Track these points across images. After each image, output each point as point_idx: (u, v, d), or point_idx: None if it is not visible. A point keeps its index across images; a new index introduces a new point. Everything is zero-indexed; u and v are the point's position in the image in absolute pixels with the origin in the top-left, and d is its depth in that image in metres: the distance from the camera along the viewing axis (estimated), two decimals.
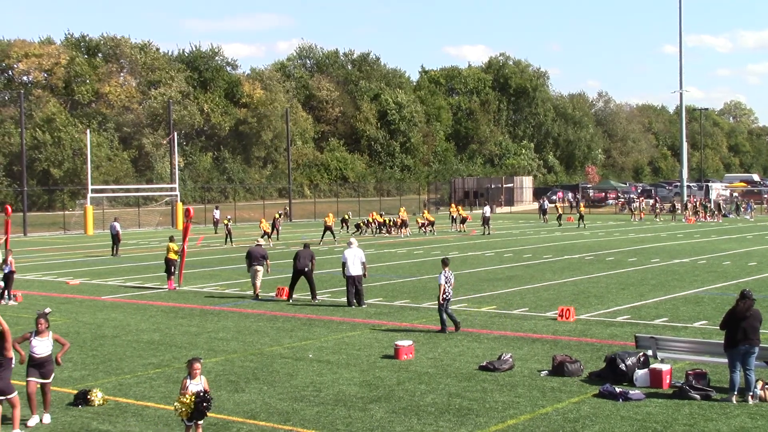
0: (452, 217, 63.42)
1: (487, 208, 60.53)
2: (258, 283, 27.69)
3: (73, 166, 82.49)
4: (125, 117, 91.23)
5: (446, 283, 20.88)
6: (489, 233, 57.44)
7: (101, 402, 14.79)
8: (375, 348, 19.26)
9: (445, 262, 21.44)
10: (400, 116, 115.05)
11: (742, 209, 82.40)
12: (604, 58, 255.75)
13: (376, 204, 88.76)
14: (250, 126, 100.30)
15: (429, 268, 35.77)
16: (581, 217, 64.68)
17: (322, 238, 52.01)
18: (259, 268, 27.66)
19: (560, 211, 70.36)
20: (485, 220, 58.67)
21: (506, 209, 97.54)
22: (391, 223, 58.53)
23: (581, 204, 70.67)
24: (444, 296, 20.81)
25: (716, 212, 75.71)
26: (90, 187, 68.22)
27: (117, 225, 46.29)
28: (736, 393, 14.56)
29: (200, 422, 12.17)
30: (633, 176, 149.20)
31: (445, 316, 21.09)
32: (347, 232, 58.56)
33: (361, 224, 59.36)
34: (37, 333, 14.03)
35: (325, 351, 19.02)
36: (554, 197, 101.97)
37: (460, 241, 51.53)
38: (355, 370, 17.14)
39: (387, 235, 57.74)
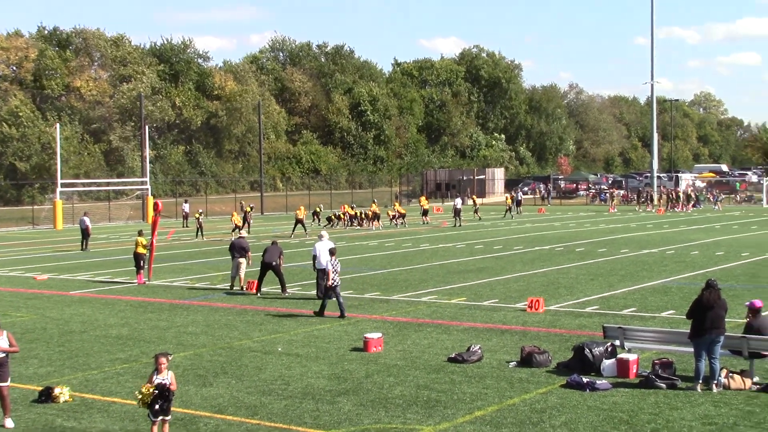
0: (423, 209, 63.46)
1: (458, 200, 60.61)
2: (242, 274, 27.68)
3: (42, 161, 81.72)
4: (96, 111, 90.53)
5: (333, 271, 21.89)
6: (460, 225, 57.53)
7: (68, 398, 14.65)
8: (344, 341, 19.24)
9: (331, 252, 22.53)
10: (373, 108, 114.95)
11: (709, 200, 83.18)
12: (576, 51, 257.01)
13: (348, 196, 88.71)
14: (221, 119, 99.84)
15: (400, 261, 35.79)
16: (510, 209, 67.83)
17: (293, 231, 51.89)
18: (242, 260, 27.61)
19: (509, 204, 70.06)
20: (456, 212, 58.73)
21: (478, 201, 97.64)
22: (363, 216, 58.49)
23: (509, 196, 71.78)
24: (332, 282, 21.80)
25: (685, 203, 76.23)
26: (59, 181, 67.60)
27: (87, 219, 45.93)
28: (701, 382, 14.68)
29: (167, 418, 12.12)
30: (604, 167, 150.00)
31: (327, 302, 22.27)
32: (318, 224, 58.46)
33: (333, 217, 59.27)
34: None
35: (294, 344, 18.98)
36: (526, 189, 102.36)
37: (431, 233, 51.58)
38: (323, 363, 17.11)
39: (358, 227, 57.69)
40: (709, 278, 15.54)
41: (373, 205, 59.23)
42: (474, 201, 67.13)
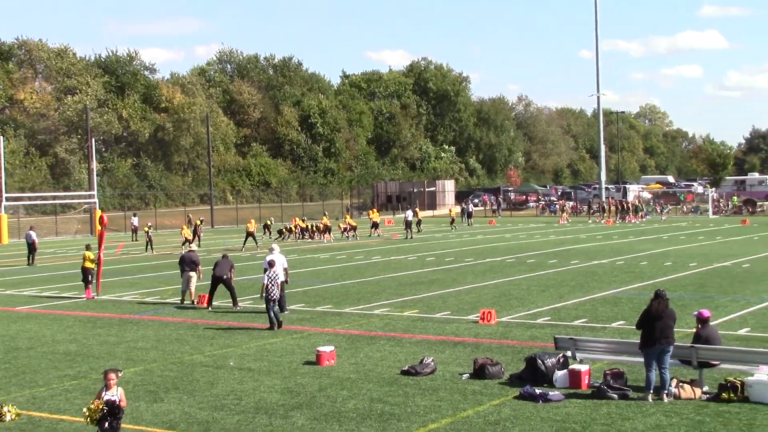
0: (373, 222, 63.46)
1: (409, 212, 60.72)
2: (192, 288, 27.45)
3: None
4: (41, 124, 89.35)
5: (270, 282, 22.28)
6: (411, 237, 57.63)
7: (14, 417, 14.38)
8: (297, 354, 19.14)
9: (270, 264, 22.85)
10: (323, 120, 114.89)
11: (656, 211, 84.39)
12: (523, 63, 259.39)
13: (299, 209, 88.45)
14: (169, 132, 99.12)
15: (352, 273, 35.73)
16: (453, 221, 68.50)
17: (244, 244, 51.62)
18: (192, 274, 27.41)
19: (452, 215, 70.64)
20: (407, 224, 58.84)
21: (428, 213, 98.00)
22: (314, 229, 58.36)
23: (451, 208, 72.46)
24: (270, 296, 22.18)
25: (634, 214, 77.10)
26: (4, 194, 66.62)
27: (33, 234, 45.31)
28: (651, 392, 14.82)
29: None
30: (553, 178, 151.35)
31: (272, 314, 22.28)
32: (270, 237, 58.22)
33: (284, 230, 59.07)
34: None
35: (246, 358, 18.84)
36: (476, 200, 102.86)
37: (382, 246, 51.59)
38: (276, 377, 17.00)
39: (310, 240, 57.54)
40: (658, 288, 15.71)
41: (324, 217, 59.14)
42: (416, 213, 66.03)
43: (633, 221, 74.30)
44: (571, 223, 73.97)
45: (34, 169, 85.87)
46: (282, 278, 23.52)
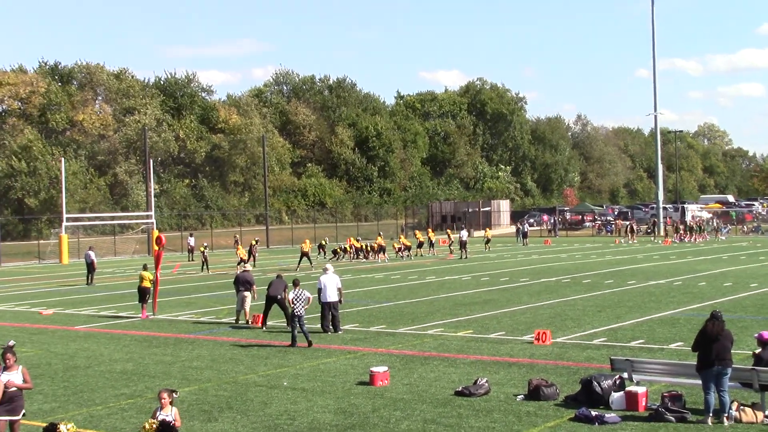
0: (430, 241, 63.52)
1: (464, 232, 60.58)
2: (247, 308, 27.62)
3: (49, 195, 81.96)
4: (100, 145, 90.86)
5: (296, 299, 22.97)
6: (466, 257, 57.45)
7: None
8: (350, 374, 19.13)
9: (295, 283, 23.62)
10: (379, 141, 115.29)
11: (721, 229, 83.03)
12: (580, 83, 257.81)
13: (353, 229, 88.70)
14: (225, 152, 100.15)
15: (406, 293, 35.67)
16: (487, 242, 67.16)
17: (299, 264, 51.83)
18: (247, 294, 27.59)
19: (488, 236, 68.92)
20: (462, 244, 58.68)
21: (483, 233, 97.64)
22: (369, 249, 58.45)
23: (485, 230, 71.18)
24: (297, 312, 22.82)
25: (690, 234, 76.00)
26: (65, 215, 67.77)
27: (92, 254, 45.96)
28: (711, 415, 14.53)
29: None
30: (609, 198, 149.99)
31: (297, 332, 22.89)
32: (324, 257, 58.40)
33: (338, 250, 59.22)
34: (6, 368, 13.25)
35: (300, 378, 18.87)
36: (532, 220, 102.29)
37: (437, 266, 51.46)
38: (329, 397, 17.00)
39: (364, 260, 57.62)
40: (714, 309, 15.44)
41: (379, 237, 59.22)
42: (453, 234, 65.21)
43: (692, 241, 73.25)
44: (629, 243, 73.14)
45: (94, 190, 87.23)
46: (308, 295, 23.60)
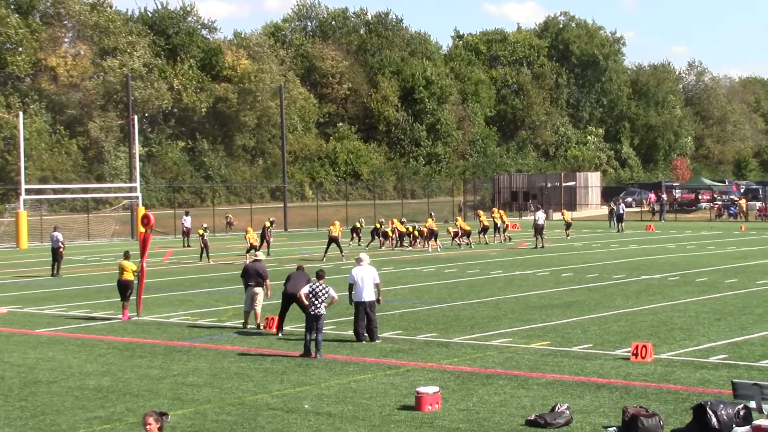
0: (496, 225, 63.38)
1: (540, 214, 60.37)
2: (258, 308, 27.77)
3: (3, 161, 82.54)
4: (71, 96, 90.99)
5: (313, 295, 23.38)
6: (543, 246, 57.34)
7: None
8: (391, 396, 19.20)
9: (319, 275, 24.24)
10: (429, 93, 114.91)
11: None
12: (694, 18, 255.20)
13: (397, 208, 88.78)
14: (231, 105, 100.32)
15: (464, 292, 35.69)
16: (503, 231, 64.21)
17: (326, 252, 51.99)
18: (258, 290, 27.71)
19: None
20: (537, 229, 58.49)
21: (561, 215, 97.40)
22: (417, 233, 58.46)
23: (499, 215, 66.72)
24: (313, 311, 23.22)
25: None
26: (24, 186, 68.28)
27: (58, 236, 46.36)
28: None
29: None
30: (734, 172, 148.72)
31: (309, 337, 23.26)
32: (359, 244, 58.56)
33: (378, 230, 59.36)
34: None
35: (325, 400, 18.97)
36: (630, 199, 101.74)
37: (504, 257, 51.43)
38: (363, 425, 17.08)
39: (410, 248, 57.66)
40: None
41: (430, 219, 59.32)
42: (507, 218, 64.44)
43: None
44: (755, 230, 72.57)
45: (62, 155, 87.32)
46: (333, 294, 23.64)
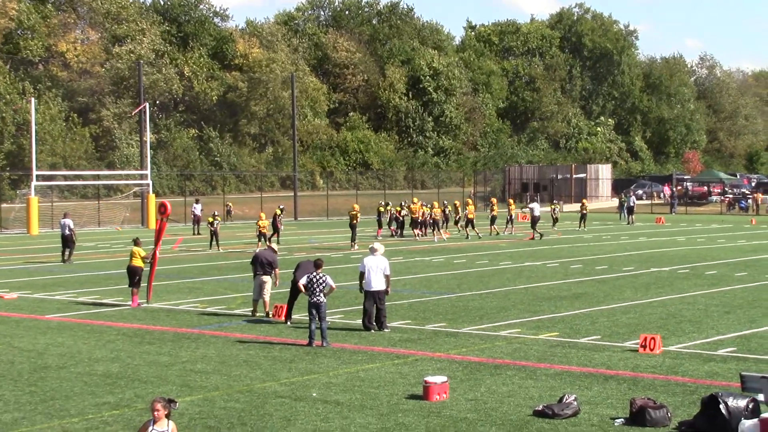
0: (510, 216, 63.45)
1: (535, 205, 60.47)
2: (267, 297, 27.75)
3: (15, 146, 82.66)
4: (82, 83, 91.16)
5: (310, 285, 23.46)
6: (540, 237, 57.42)
7: None
8: (398, 385, 19.20)
9: (317, 264, 24.22)
10: (436, 84, 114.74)
11: None
12: (707, 11, 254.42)
13: (407, 198, 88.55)
14: (242, 94, 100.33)
15: (473, 283, 35.68)
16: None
17: (353, 239, 51.79)
18: (267, 278, 27.72)
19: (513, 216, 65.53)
20: (534, 221, 58.57)
21: (576, 207, 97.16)
22: (431, 220, 58.07)
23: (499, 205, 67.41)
24: (312, 299, 23.35)
25: None
26: (35, 173, 68.36)
27: (69, 222, 46.40)
28: None
29: None
30: (746, 165, 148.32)
31: (315, 326, 23.30)
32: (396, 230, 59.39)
33: (401, 208, 60.30)
34: None
35: (333, 388, 18.98)
36: (640, 192, 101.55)
37: (514, 248, 51.40)
38: (371, 413, 17.08)
39: (419, 236, 57.52)
40: None
41: (437, 205, 59.55)
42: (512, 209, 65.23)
43: None
44: (765, 223, 72.47)
45: (76, 141, 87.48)
46: (331, 283, 23.65)
